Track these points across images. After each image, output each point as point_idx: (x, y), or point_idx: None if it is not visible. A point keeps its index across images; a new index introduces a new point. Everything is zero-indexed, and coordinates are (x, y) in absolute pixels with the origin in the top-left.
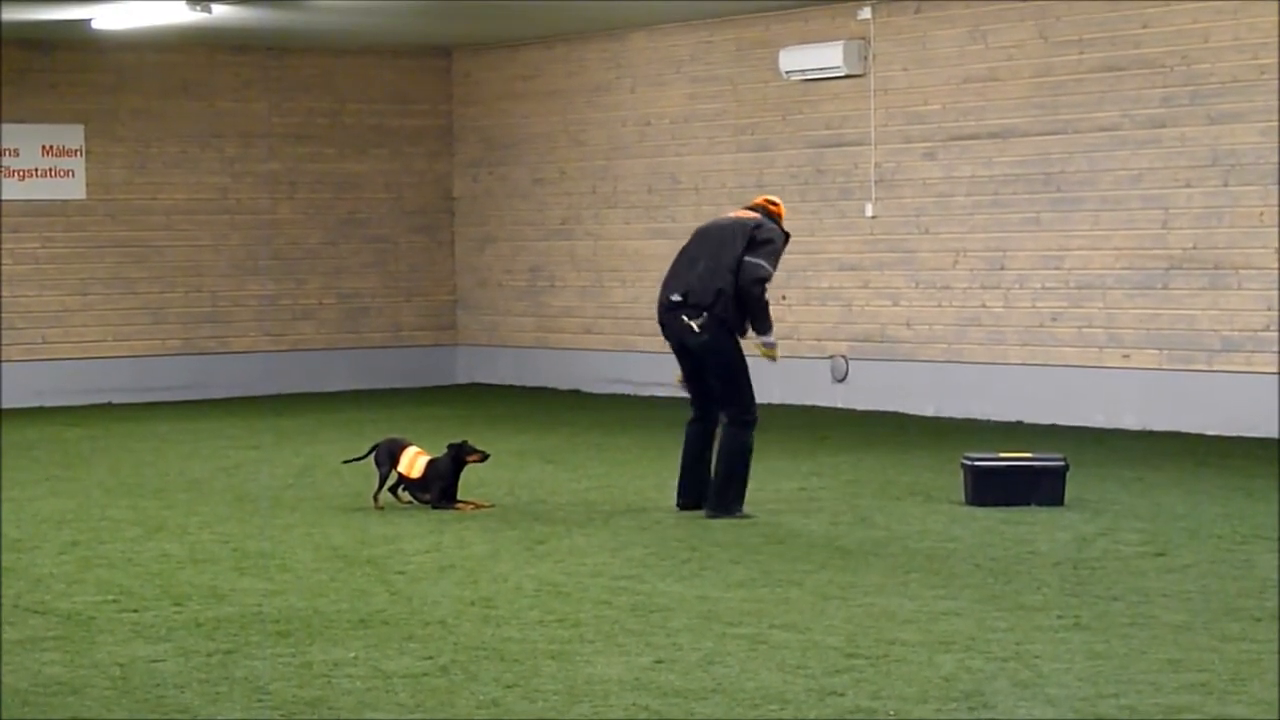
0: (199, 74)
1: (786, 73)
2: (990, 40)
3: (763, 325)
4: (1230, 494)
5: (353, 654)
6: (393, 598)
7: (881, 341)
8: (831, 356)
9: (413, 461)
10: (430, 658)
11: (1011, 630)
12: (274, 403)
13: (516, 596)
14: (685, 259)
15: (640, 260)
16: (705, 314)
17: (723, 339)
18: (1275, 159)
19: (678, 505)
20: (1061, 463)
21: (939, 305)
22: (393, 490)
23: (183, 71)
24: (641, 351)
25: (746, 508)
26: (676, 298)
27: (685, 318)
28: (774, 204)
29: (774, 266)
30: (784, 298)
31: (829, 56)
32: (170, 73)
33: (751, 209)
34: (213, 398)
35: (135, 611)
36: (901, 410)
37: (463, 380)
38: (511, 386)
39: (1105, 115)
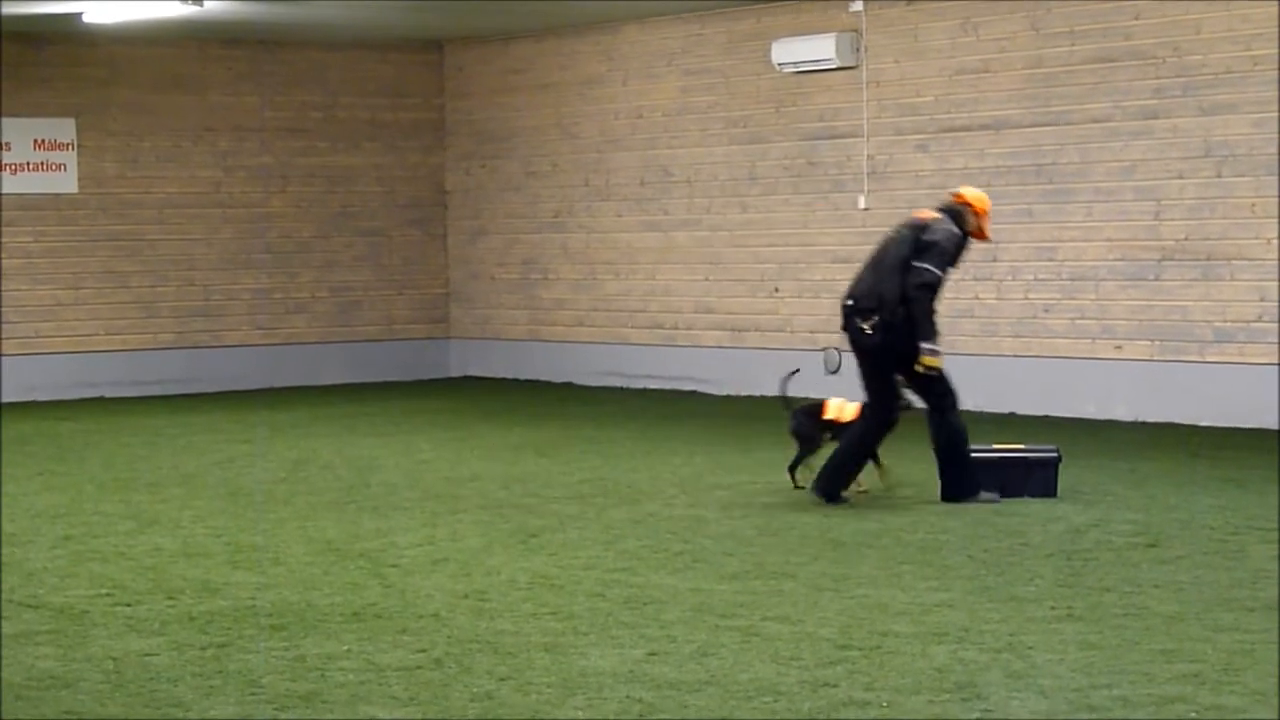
0: (191, 68)
1: (779, 65)
2: (982, 32)
3: (921, 331)
4: (1223, 485)
5: (346, 647)
6: (386, 591)
7: None
8: (824, 349)
9: (840, 408)
10: (423, 650)
11: (1004, 621)
12: (267, 396)
13: (510, 589)
14: (868, 261)
15: (633, 253)
16: (875, 316)
17: (894, 341)
18: (1267, 150)
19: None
20: (1054, 454)
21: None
22: (791, 470)
23: (175, 65)
24: (634, 344)
25: (983, 494)
26: (849, 302)
27: (858, 320)
28: (961, 196)
29: (942, 270)
30: (776, 290)
31: (821, 49)
32: (162, 66)
33: (942, 207)
34: (205, 391)
35: (128, 605)
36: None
37: (455, 373)
38: (504, 379)
39: (1097, 107)
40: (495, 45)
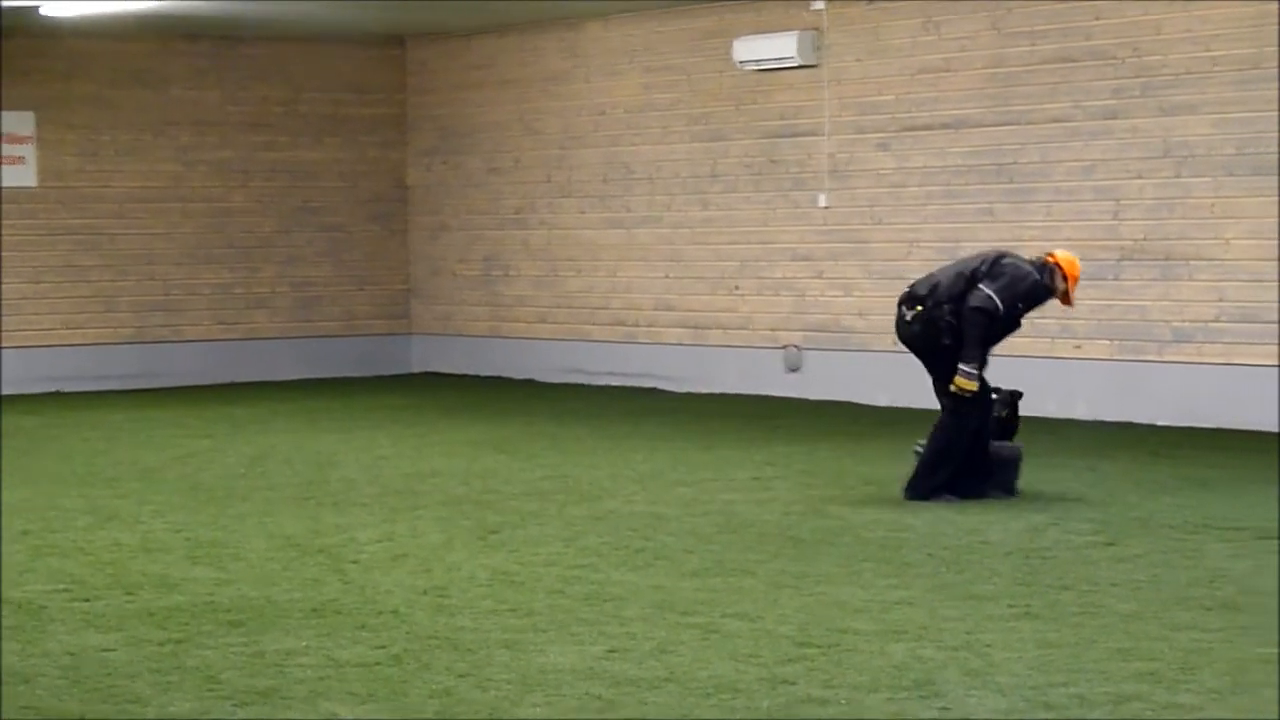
0: (152, 62)
1: (740, 63)
2: (943, 31)
3: (966, 354)
4: (1181, 484)
5: (305, 643)
6: (345, 587)
7: (835, 332)
8: (785, 346)
9: None
10: (383, 647)
11: (963, 619)
12: (227, 391)
13: (470, 586)
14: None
15: (595, 249)
16: (919, 307)
17: (931, 333)
18: (1226, 150)
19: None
20: (1014, 453)
21: (892, 295)
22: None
23: (135, 59)
24: (595, 341)
25: (945, 496)
26: (906, 289)
27: (904, 307)
28: (1053, 256)
29: (1003, 302)
30: (737, 288)
31: (783, 47)
32: (122, 60)
33: (1032, 260)
34: (165, 386)
35: (87, 601)
36: (855, 400)
37: (417, 369)
38: (465, 376)
39: (1057, 107)
40: (458, 41)
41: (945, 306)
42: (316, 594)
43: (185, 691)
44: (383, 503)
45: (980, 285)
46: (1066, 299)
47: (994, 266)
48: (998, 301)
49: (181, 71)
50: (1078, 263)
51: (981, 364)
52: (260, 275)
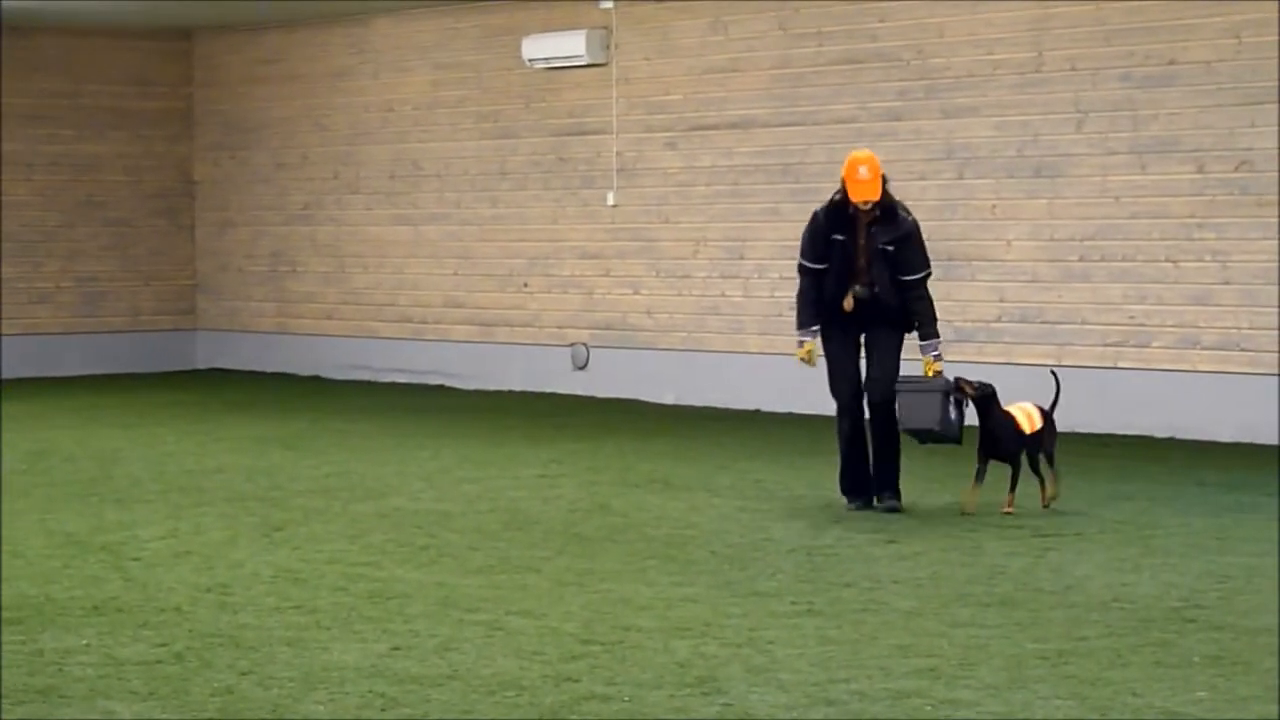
0: None
1: (529, 61)
2: (731, 32)
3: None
4: (960, 482)
5: (85, 641)
6: (127, 584)
7: (622, 330)
8: (572, 344)
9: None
10: (164, 645)
11: (746, 616)
12: (8, 387)
13: (253, 583)
14: None
15: (382, 246)
16: None
17: None
18: (1007, 153)
19: None
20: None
21: (679, 294)
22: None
23: None
24: (383, 338)
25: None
26: None
27: None
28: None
29: (802, 250)
30: (525, 285)
31: (572, 45)
32: None
33: None
34: None
35: None
36: (641, 398)
37: (202, 365)
38: (252, 372)
39: (843, 107)
40: (245, 35)
41: None
42: (97, 591)
43: None
44: (166, 499)
45: None
46: (847, 200)
47: None
48: (801, 253)
49: None
50: (855, 156)
51: (804, 325)
52: (43, 270)
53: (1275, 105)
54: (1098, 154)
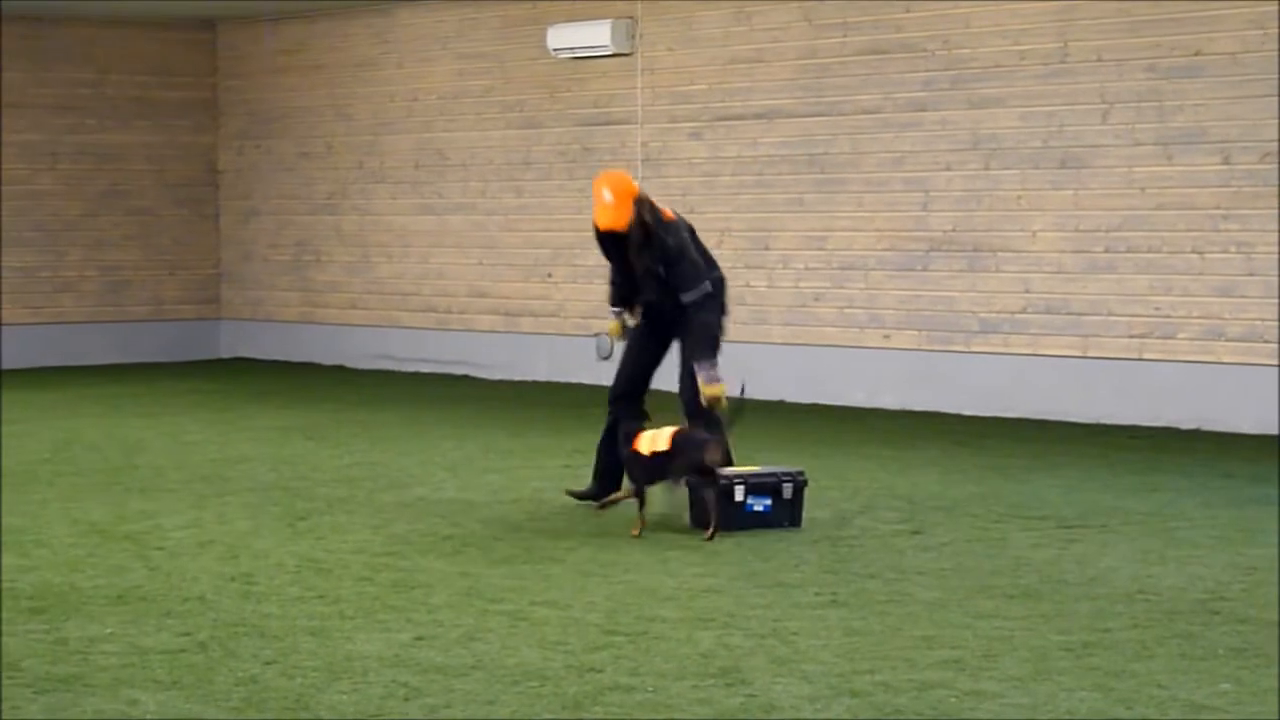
0: None
1: (554, 50)
2: (755, 22)
3: None
4: (985, 473)
5: (109, 630)
6: (151, 573)
7: None
8: (597, 334)
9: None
10: (188, 634)
11: (770, 607)
12: (33, 376)
13: (277, 573)
14: None
15: (406, 236)
16: None
17: None
18: (1033, 144)
19: None
20: (797, 480)
21: None
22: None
23: None
24: (407, 327)
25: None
26: None
27: None
28: None
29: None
30: (550, 275)
31: (596, 35)
32: None
33: None
34: None
35: None
36: (664, 389)
37: (226, 355)
38: (276, 361)
39: (868, 98)
40: (269, 26)
41: None
42: (121, 580)
43: None
44: (190, 489)
45: None
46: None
47: None
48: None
49: None
50: (601, 181)
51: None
52: (68, 259)
53: None
54: (1123, 145)
